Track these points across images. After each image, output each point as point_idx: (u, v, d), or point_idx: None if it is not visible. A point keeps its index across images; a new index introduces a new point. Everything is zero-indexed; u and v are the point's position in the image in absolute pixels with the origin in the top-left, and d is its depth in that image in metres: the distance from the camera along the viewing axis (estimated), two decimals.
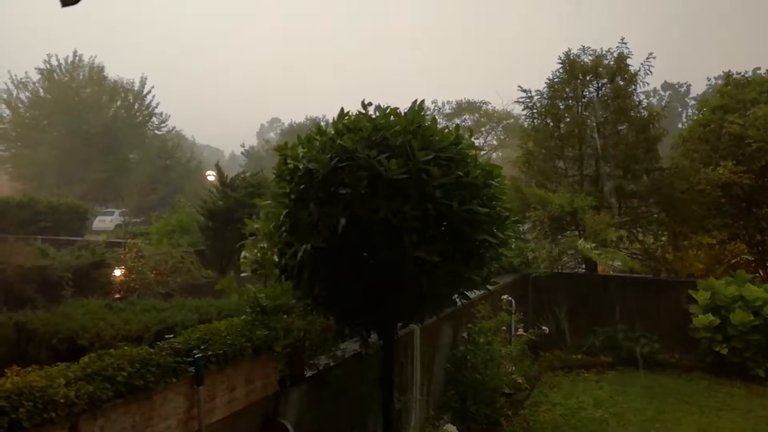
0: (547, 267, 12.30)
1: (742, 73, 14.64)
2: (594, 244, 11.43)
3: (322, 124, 5.64)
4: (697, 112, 17.59)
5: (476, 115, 46.15)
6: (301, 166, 5.01)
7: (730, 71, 14.71)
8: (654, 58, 13.78)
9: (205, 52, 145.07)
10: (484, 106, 46.22)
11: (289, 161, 5.20)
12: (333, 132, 5.18)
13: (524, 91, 14.67)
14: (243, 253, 6.17)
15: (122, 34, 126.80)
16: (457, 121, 43.69)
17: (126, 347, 4.33)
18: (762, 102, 13.06)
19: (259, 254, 5.88)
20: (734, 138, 12.91)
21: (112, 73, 47.46)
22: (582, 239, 11.87)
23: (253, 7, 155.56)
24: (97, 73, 46.34)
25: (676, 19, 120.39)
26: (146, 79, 47.26)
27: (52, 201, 28.22)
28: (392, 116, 5.18)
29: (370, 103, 5.32)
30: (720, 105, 13.92)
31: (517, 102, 15.05)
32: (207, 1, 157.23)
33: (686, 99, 67.91)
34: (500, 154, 44.04)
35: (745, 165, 12.68)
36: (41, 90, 45.44)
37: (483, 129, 45.57)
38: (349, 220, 4.71)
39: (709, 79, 43.39)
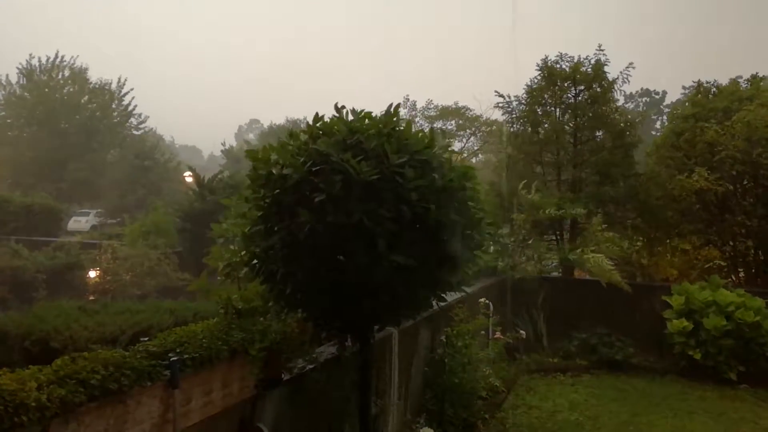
0: (530, 270, 12.30)
1: (712, 83, 14.90)
2: (612, 263, 11.31)
3: (302, 126, 5.60)
4: (669, 120, 17.82)
5: (458, 119, 46.29)
6: (274, 171, 4.95)
7: (700, 80, 14.99)
8: (633, 67, 13.99)
9: (186, 53, 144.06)
10: (467, 111, 46.43)
11: (261, 169, 5.13)
12: (307, 136, 5.15)
13: (501, 96, 14.80)
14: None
15: (102, 35, 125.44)
16: (440, 124, 43.84)
17: (100, 350, 4.28)
18: (734, 110, 13.26)
19: (230, 257, 5.83)
20: (708, 146, 13.12)
21: (91, 72, 46.63)
22: (595, 254, 11.64)
23: (237, 8, 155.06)
24: (77, 73, 45.65)
25: (655, 27, 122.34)
26: (125, 80, 46.73)
27: (25, 201, 27.73)
28: (366, 120, 5.18)
29: (343, 107, 5.28)
30: (692, 114, 14.13)
31: (497, 107, 15.14)
32: (189, 2, 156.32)
33: (661, 106, 68.77)
34: (481, 158, 44.20)
35: (718, 172, 12.90)
36: (17, 89, 44.68)
37: (464, 132, 45.68)
38: (323, 224, 4.69)
39: (684, 87, 44.08)
